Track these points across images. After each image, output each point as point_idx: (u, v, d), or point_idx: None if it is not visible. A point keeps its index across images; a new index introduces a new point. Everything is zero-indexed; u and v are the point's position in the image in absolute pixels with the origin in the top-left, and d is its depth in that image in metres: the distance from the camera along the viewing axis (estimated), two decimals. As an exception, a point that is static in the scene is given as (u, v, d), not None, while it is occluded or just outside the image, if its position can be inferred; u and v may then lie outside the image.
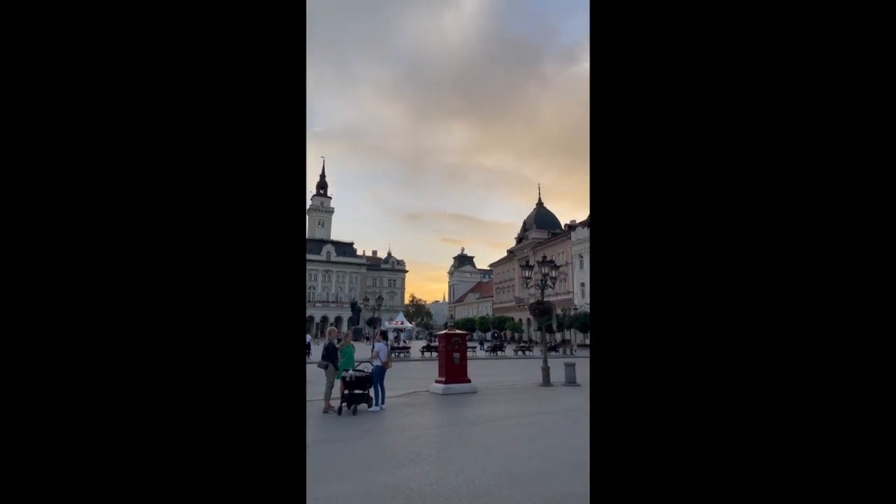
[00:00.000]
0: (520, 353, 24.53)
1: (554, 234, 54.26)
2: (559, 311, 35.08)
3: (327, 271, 62.95)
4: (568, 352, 26.84)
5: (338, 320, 57.73)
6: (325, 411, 6.56)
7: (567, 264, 45.30)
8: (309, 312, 54.88)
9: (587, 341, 38.31)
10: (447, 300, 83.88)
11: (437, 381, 8.92)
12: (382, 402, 7.08)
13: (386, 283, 69.45)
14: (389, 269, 70.58)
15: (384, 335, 8.97)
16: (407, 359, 18.99)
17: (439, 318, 74.95)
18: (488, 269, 70.34)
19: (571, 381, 10.35)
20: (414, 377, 11.58)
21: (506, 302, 59.93)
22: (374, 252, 72.47)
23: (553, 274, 12.32)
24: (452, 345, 9.12)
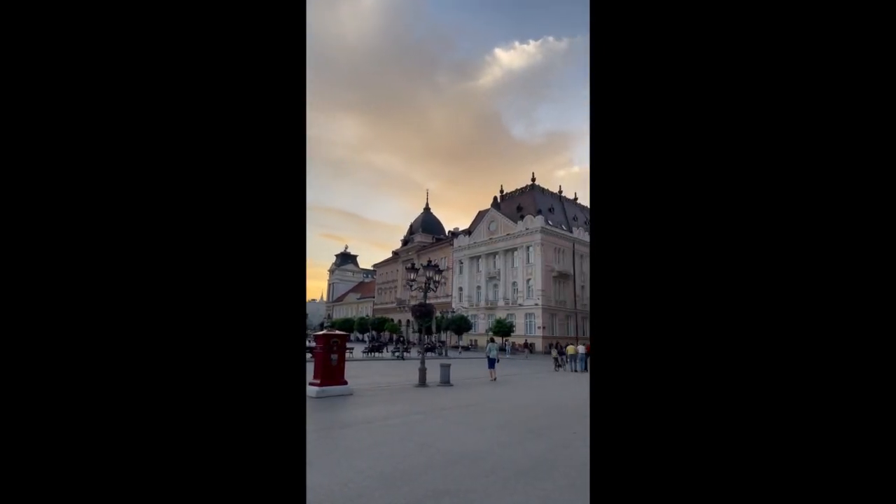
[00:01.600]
0: (397, 354, 24.72)
1: (438, 240, 56.13)
2: (438, 314, 36.31)
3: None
4: (443, 353, 27.94)
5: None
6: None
7: (448, 269, 47.29)
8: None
9: (461, 343, 40.45)
10: (325, 299, 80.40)
11: (311, 384, 8.51)
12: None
13: (257, 278, 63.53)
14: (263, 262, 64.75)
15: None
16: (277, 360, 17.65)
17: (315, 318, 71.35)
18: (372, 269, 69.55)
19: (446, 382, 10.81)
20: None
21: (387, 303, 59.87)
22: (247, 243, 65.82)
23: (437, 278, 12.75)
24: (331, 346, 8.80)
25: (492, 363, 12.85)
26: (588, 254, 43.06)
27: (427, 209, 61.49)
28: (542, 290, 38.86)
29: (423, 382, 10.42)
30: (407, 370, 14.20)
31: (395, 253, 60.77)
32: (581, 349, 19.42)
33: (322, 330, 13.10)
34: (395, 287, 58.31)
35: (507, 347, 29.98)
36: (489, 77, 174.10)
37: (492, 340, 14.14)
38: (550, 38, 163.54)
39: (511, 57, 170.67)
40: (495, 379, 12.34)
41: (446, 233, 57.82)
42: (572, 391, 10.54)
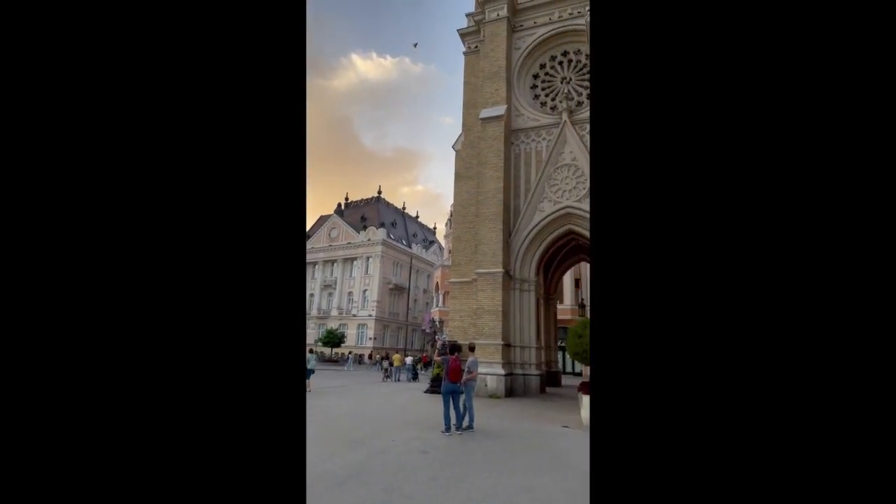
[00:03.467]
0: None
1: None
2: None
3: None
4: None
5: None
6: None
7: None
8: None
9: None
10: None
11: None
12: None
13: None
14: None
15: None
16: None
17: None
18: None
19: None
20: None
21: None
22: None
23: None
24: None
25: (308, 374, 12.48)
26: (423, 269, 45.64)
27: (262, 205, 56.01)
28: (378, 302, 39.40)
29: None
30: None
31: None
32: (409, 360, 20.34)
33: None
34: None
35: (348, 359, 28.83)
36: (344, 80, 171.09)
37: (311, 352, 13.75)
38: (407, 60, 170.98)
39: (367, 66, 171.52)
40: (311, 390, 11.99)
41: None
42: (395, 400, 11.00)
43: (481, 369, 11.29)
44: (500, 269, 12.82)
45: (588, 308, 23.76)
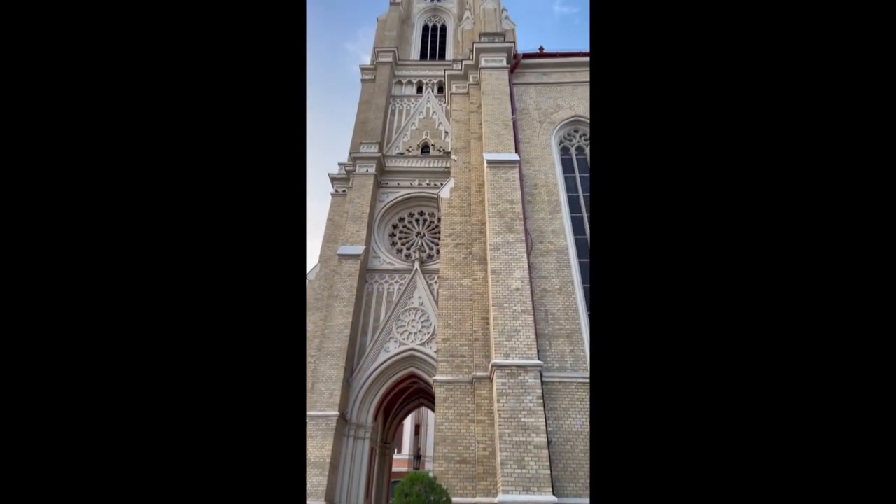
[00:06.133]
0: None
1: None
2: None
3: None
4: None
5: None
6: None
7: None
8: None
9: None
10: None
11: None
12: None
13: None
14: None
15: None
16: None
17: None
18: None
19: None
20: None
21: None
22: None
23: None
24: None
25: None
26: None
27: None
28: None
29: None
30: None
31: None
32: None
33: None
34: None
35: None
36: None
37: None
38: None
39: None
40: None
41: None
42: None
43: (295, 541, 9.31)
44: (336, 413, 11.84)
45: (423, 459, 22.74)
